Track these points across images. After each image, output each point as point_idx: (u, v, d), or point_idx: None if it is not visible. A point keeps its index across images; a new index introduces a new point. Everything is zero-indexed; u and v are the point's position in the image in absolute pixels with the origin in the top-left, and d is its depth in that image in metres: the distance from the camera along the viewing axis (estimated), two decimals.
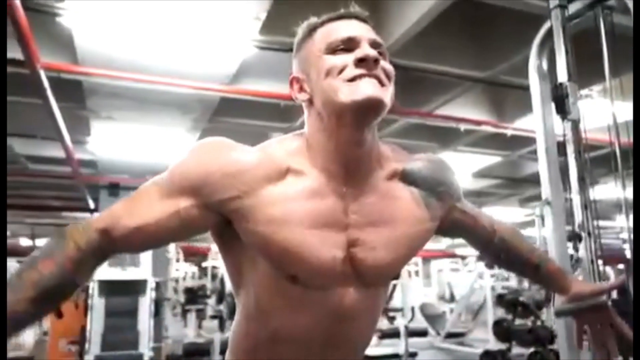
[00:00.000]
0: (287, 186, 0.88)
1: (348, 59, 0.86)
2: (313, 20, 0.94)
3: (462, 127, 4.76)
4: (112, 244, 0.86)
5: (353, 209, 0.91)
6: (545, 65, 2.19)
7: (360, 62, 0.85)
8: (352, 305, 0.92)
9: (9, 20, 2.57)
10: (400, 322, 5.57)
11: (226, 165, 0.87)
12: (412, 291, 8.69)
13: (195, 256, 10.74)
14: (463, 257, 12.24)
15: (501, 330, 5.12)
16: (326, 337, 0.94)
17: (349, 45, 0.88)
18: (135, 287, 5.79)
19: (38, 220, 12.00)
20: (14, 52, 2.98)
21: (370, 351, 5.82)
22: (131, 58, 3.47)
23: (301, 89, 0.93)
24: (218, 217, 0.89)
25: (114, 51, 3.35)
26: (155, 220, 0.86)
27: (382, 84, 0.86)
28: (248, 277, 0.94)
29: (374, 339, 6.44)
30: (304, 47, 0.94)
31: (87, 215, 9.59)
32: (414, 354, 5.42)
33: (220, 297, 7.89)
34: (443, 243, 16.30)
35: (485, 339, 6.04)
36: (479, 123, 4.75)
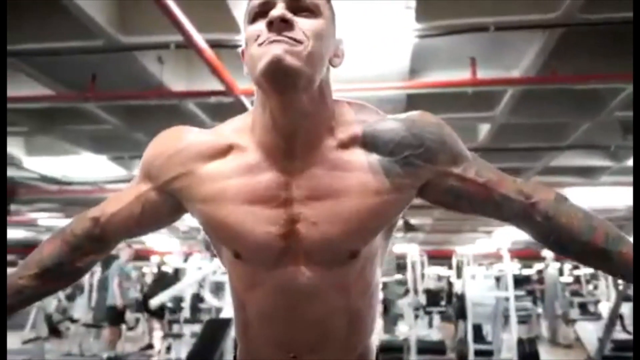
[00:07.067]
0: (226, 163, 0.88)
1: (262, 25, 0.81)
2: None
3: None
4: (101, 230, 0.95)
5: (298, 183, 0.85)
6: None
7: (270, 25, 0.79)
8: (309, 284, 0.88)
9: (202, 59, 3.15)
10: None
11: (168, 148, 0.91)
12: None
13: None
14: None
15: None
16: (294, 316, 0.91)
17: (264, 9, 0.81)
18: None
19: None
20: (216, 85, 3.63)
21: None
22: None
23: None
24: (174, 200, 0.92)
25: None
26: (125, 205, 0.94)
27: (299, 42, 0.78)
28: (223, 259, 0.98)
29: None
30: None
31: None
32: None
33: (449, 297, 7.78)
34: None
35: None
36: None
